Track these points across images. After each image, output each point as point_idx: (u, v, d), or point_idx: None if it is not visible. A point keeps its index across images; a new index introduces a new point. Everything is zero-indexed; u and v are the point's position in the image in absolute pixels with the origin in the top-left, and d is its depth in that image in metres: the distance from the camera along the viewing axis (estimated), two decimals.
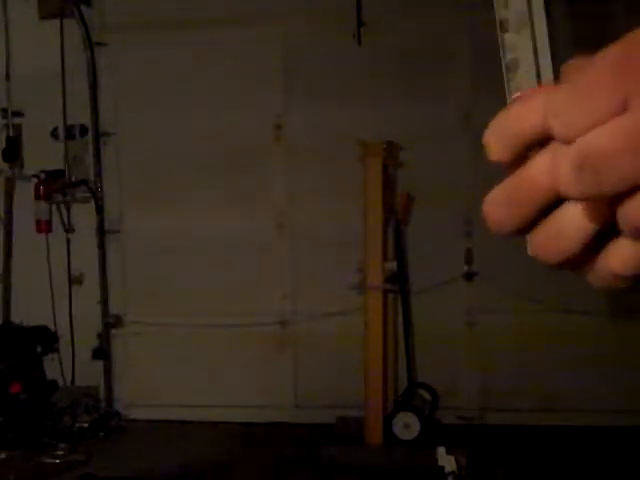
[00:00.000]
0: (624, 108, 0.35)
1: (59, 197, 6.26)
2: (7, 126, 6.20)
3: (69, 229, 6.36)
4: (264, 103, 6.06)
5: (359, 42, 5.87)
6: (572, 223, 0.39)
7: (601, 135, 0.35)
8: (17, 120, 6.24)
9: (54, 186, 6.19)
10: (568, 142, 0.36)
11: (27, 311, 6.17)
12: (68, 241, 6.33)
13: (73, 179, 6.28)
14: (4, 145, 6.17)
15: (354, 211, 5.40)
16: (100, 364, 6.34)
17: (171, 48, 6.12)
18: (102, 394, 6.29)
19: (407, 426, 5.23)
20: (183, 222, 6.16)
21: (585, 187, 0.36)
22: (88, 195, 6.31)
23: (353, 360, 5.38)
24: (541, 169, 0.39)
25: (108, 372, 6.36)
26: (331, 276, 5.90)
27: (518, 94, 0.44)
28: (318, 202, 5.98)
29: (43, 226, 6.16)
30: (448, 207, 5.81)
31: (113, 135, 6.32)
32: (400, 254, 5.58)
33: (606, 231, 0.39)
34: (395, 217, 5.55)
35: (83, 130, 6.27)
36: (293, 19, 5.96)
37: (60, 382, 6.18)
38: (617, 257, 0.39)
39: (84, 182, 6.29)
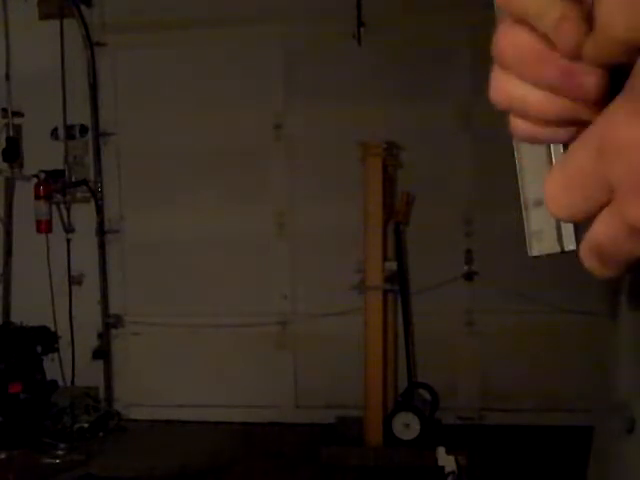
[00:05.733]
0: (611, 193, 0.38)
1: (59, 197, 6.27)
2: (7, 126, 6.19)
3: (69, 229, 6.36)
4: (264, 103, 6.06)
5: (359, 42, 5.87)
6: None
7: (600, 228, 0.39)
8: (17, 120, 6.24)
9: (54, 186, 6.19)
10: (564, 220, 0.41)
11: (27, 311, 6.17)
12: (68, 241, 6.33)
13: (73, 179, 6.28)
14: (4, 145, 6.17)
15: (354, 211, 5.40)
16: (100, 364, 6.34)
17: (171, 48, 6.12)
18: (102, 394, 6.29)
19: (407, 426, 5.23)
20: (183, 222, 6.16)
21: (608, 270, 0.40)
22: (88, 195, 6.31)
23: (353, 360, 5.38)
24: None
25: (108, 372, 6.36)
26: (331, 276, 5.90)
27: None
28: (318, 202, 5.98)
29: (43, 226, 6.16)
30: (448, 207, 5.81)
31: (113, 135, 6.32)
32: (400, 254, 5.58)
33: None
34: (395, 217, 5.55)
35: (83, 130, 6.27)
36: (293, 19, 5.96)
37: (60, 382, 6.18)
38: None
39: (84, 182, 6.29)
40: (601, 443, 0.67)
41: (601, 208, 0.39)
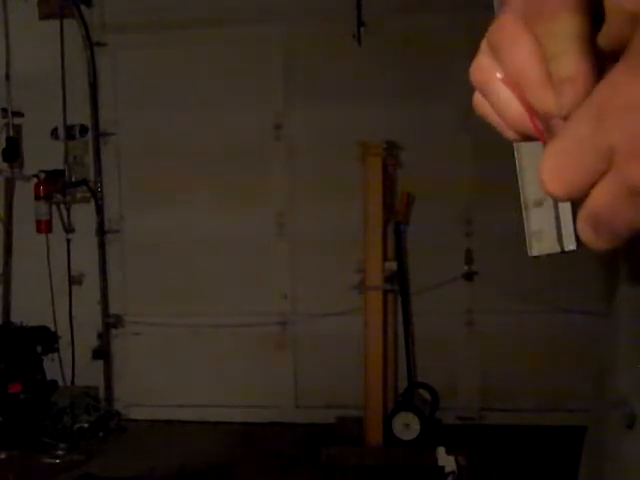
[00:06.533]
0: (609, 161, 0.38)
1: (59, 197, 6.26)
2: (7, 126, 6.19)
3: (69, 229, 6.36)
4: (264, 103, 6.06)
5: (359, 42, 5.87)
6: None
7: (598, 197, 0.39)
8: (17, 120, 6.24)
9: (54, 186, 6.18)
10: (562, 199, 0.41)
11: (27, 311, 6.17)
12: (68, 241, 6.33)
13: (73, 179, 6.28)
14: (4, 145, 6.16)
15: (354, 211, 5.40)
16: (100, 364, 6.34)
17: (171, 48, 6.12)
18: (102, 394, 6.29)
19: (407, 426, 5.23)
20: (183, 222, 6.16)
21: (604, 242, 0.40)
22: (88, 195, 6.31)
23: (353, 360, 5.39)
24: None
25: (108, 372, 6.36)
26: (331, 276, 5.90)
27: None
28: (318, 202, 5.98)
29: (43, 226, 6.16)
30: (448, 207, 5.81)
31: (113, 135, 6.32)
32: (400, 254, 5.58)
33: None
34: (395, 217, 5.55)
35: (83, 130, 6.27)
36: (293, 19, 5.96)
37: (60, 382, 6.18)
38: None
39: (84, 182, 6.28)
40: (597, 441, 0.67)
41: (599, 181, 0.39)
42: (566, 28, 0.41)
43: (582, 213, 0.40)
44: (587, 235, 0.41)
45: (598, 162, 0.38)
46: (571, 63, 0.41)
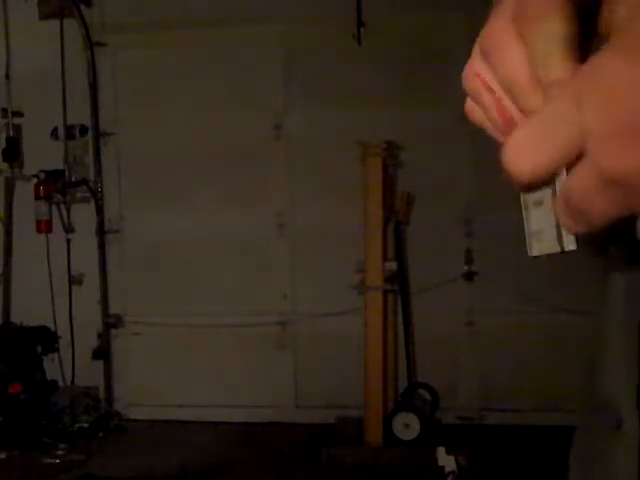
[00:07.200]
0: (582, 144, 0.37)
1: (59, 197, 6.26)
2: (7, 126, 6.19)
3: (69, 229, 6.36)
4: (264, 103, 6.06)
5: (359, 42, 5.87)
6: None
7: (573, 182, 0.39)
8: (17, 120, 6.24)
9: (54, 186, 6.18)
10: (524, 177, 0.40)
11: (27, 311, 6.17)
12: (68, 241, 6.33)
13: (73, 179, 6.28)
14: (4, 145, 6.16)
15: (354, 211, 5.40)
16: (100, 364, 6.34)
17: (171, 48, 6.12)
18: (102, 394, 6.29)
19: (407, 426, 5.23)
20: (183, 222, 6.16)
21: (579, 225, 0.40)
22: (88, 195, 6.31)
23: (353, 360, 5.39)
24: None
25: (108, 372, 6.36)
26: (331, 276, 5.90)
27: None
28: (318, 202, 5.98)
29: (43, 226, 6.16)
30: (448, 207, 5.81)
31: (113, 135, 6.32)
32: (400, 254, 5.58)
33: None
34: (395, 217, 5.55)
35: (83, 130, 6.27)
36: (293, 19, 5.96)
37: (60, 382, 6.18)
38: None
39: (84, 182, 6.29)
40: (585, 442, 0.67)
41: (568, 165, 0.39)
42: (553, 30, 0.41)
43: (559, 193, 0.40)
44: (563, 218, 0.41)
45: (571, 143, 0.38)
46: (559, 65, 0.41)
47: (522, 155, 0.40)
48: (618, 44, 0.37)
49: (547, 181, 0.40)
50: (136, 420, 6.18)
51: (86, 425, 5.86)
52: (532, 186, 0.42)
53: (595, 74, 0.37)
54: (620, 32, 0.37)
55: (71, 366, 6.29)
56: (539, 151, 0.39)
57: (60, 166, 6.23)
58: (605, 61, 0.37)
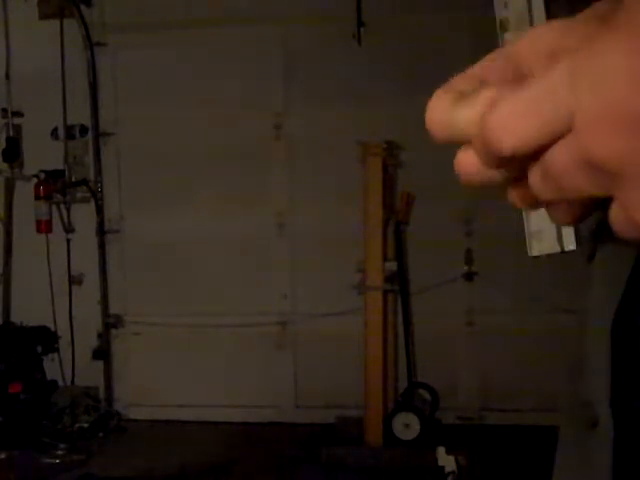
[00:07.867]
0: (569, 122, 0.38)
1: (59, 197, 6.26)
2: (7, 126, 6.19)
3: (69, 229, 6.36)
4: (264, 103, 6.06)
5: (359, 42, 5.87)
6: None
7: (555, 152, 0.38)
8: (17, 120, 6.24)
9: (54, 186, 6.18)
10: (506, 150, 0.39)
11: (27, 311, 6.17)
12: (68, 241, 6.33)
13: (73, 179, 6.28)
14: (4, 145, 6.16)
15: (354, 211, 5.40)
16: (100, 364, 6.34)
17: (171, 48, 6.12)
18: (102, 394, 6.29)
19: (407, 426, 5.23)
20: (183, 222, 6.16)
21: (549, 194, 0.40)
22: (88, 195, 6.31)
23: (353, 360, 5.38)
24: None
25: (108, 372, 6.36)
26: (331, 276, 5.90)
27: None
28: (318, 202, 5.98)
29: (43, 226, 6.16)
30: (448, 207, 5.81)
31: (113, 135, 6.32)
32: (400, 254, 5.58)
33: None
34: (395, 217, 5.55)
35: (83, 130, 6.27)
36: (293, 19, 5.96)
37: (60, 382, 6.18)
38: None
39: (84, 182, 6.29)
40: (568, 440, 0.67)
41: (552, 141, 0.39)
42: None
43: (538, 163, 0.40)
44: (534, 181, 0.40)
45: (559, 120, 0.38)
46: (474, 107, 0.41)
47: (507, 125, 0.39)
48: (623, 29, 0.36)
49: (524, 159, 0.40)
50: (136, 420, 6.18)
51: (86, 425, 5.86)
52: (509, 161, 0.40)
53: (593, 57, 0.37)
54: (628, 12, 0.37)
55: (71, 366, 6.29)
56: (525, 124, 0.38)
57: (60, 166, 6.23)
58: (607, 47, 0.37)
